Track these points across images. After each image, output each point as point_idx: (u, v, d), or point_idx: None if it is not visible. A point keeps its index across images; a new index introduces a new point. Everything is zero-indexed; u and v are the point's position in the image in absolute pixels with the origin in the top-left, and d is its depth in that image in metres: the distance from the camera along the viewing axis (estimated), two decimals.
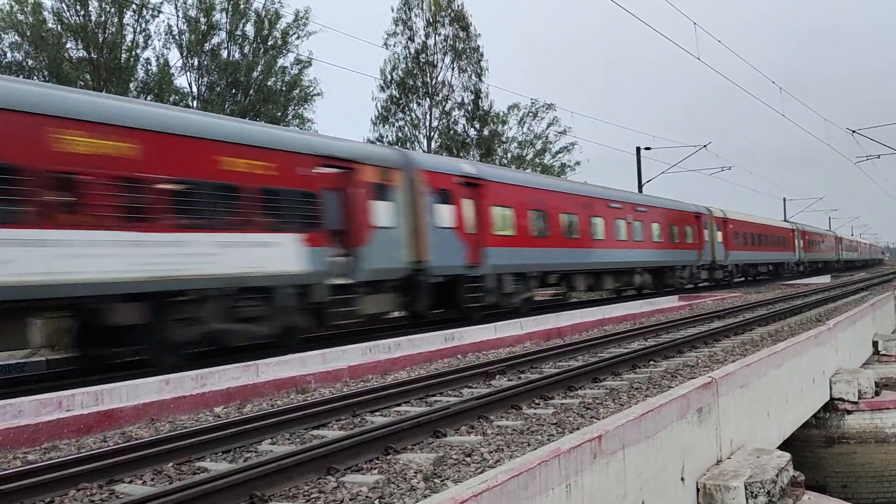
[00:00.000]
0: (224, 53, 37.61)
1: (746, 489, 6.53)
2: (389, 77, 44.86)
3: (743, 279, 41.41)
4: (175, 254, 11.22)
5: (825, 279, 43.02)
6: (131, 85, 35.24)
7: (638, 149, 41.83)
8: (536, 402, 8.01)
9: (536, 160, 58.92)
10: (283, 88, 39.93)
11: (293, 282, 12.98)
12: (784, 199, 77.89)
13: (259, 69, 38.33)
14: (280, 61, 39.41)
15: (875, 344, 18.70)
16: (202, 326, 11.66)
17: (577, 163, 58.99)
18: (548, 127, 58.70)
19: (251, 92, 38.34)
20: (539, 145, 58.91)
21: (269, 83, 38.90)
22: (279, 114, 38.86)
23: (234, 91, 38.07)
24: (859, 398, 12.84)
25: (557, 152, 59.08)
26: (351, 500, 4.89)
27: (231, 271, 12.00)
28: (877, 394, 13.26)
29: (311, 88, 41.36)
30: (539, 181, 23.93)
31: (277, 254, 12.80)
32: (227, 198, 12.09)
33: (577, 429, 6.19)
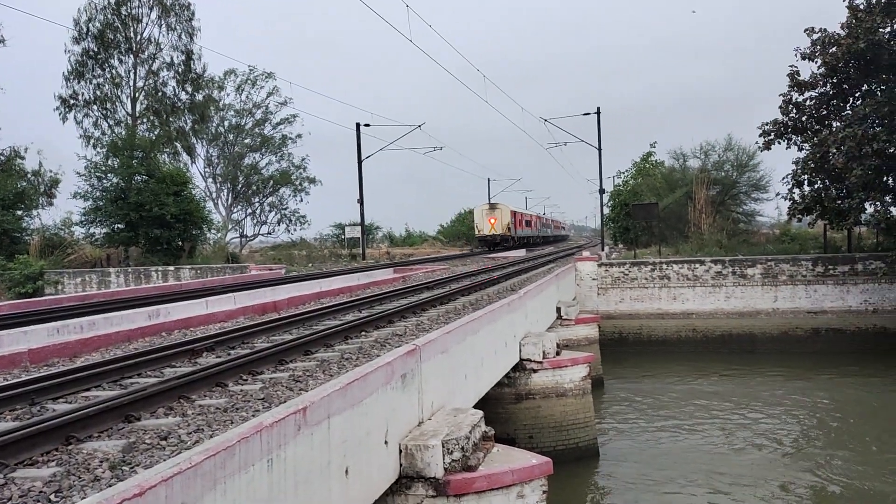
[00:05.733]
0: None
1: (443, 446, 6.97)
2: (85, 28, 40.29)
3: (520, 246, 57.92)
4: None
5: (521, 252, 47.66)
6: None
7: (358, 125, 42.48)
8: (244, 378, 7.77)
9: (256, 130, 57.25)
10: None
11: None
12: (489, 180, 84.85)
13: None
14: None
15: (559, 310, 21.16)
16: None
17: (299, 135, 58.47)
18: (268, 96, 57.29)
19: None
20: (259, 115, 57.27)
21: None
22: None
23: None
24: (544, 358, 14.40)
25: (278, 123, 58.00)
26: (21, 497, 4.31)
27: None
28: (558, 354, 14.99)
29: None
30: (540, 214, 73.68)
31: None
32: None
33: (285, 402, 6.11)
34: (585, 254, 33.09)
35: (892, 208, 26.88)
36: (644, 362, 25.92)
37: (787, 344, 26.99)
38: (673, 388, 21.63)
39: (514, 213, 56.22)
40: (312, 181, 58.47)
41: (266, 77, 56.46)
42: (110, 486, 4.30)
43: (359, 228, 45.25)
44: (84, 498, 4.27)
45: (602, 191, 39.40)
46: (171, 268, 32.55)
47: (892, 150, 24.93)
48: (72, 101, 42.89)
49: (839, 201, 26.67)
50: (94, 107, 43.28)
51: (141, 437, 5.45)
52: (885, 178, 26.25)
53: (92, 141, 43.64)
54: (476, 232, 55.41)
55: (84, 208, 36.43)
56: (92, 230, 37.48)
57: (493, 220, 53.42)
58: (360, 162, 42.47)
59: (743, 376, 23.18)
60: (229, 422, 5.88)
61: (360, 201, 42.40)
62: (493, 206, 54.35)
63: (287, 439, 4.92)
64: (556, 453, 13.62)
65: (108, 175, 36.45)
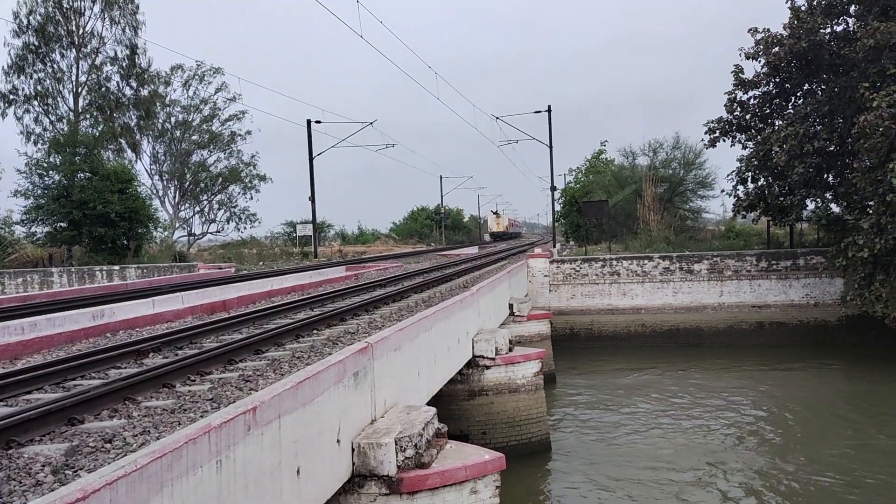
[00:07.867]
0: None
1: (396, 444, 6.96)
2: (25, 21, 39.03)
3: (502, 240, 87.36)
4: None
5: (473, 250, 47.84)
6: None
7: (308, 122, 42.03)
8: (192, 378, 7.63)
9: (204, 126, 56.22)
10: None
11: None
12: (441, 177, 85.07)
13: None
14: None
15: (511, 306, 21.30)
16: None
17: (248, 132, 57.63)
18: (216, 92, 56.30)
19: None
20: (207, 111, 56.24)
21: None
22: None
23: None
24: (496, 355, 14.48)
25: (227, 120, 57.04)
26: None
27: None
28: (510, 350, 15.08)
29: None
30: (514, 218, 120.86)
31: None
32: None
33: (234, 402, 6.02)
34: (537, 251, 33.38)
35: (832, 205, 27.80)
36: (595, 357, 26.28)
37: (733, 337, 27.68)
38: (623, 383, 21.98)
39: (509, 219, 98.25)
40: (263, 178, 57.62)
41: (214, 72, 55.47)
42: (53, 490, 4.17)
43: (310, 226, 44.83)
44: (26, 503, 4.14)
45: (553, 188, 39.78)
46: (116, 267, 31.72)
47: (831, 149, 25.77)
48: (11, 97, 41.50)
49: (782, 198, 27.44)
50: (35, 102, 41.94)
51: (84, 440, 5.31)
52: (825, 176, 27.11)
53: (33, 137, 42.30)
54: (487, 229, 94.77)
55: (25, 207, 35.27)
56: (33, 229, 36.30)
57: (498, 223, 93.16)
58: (311, 159, 42.07)
59: (690, 370, 23.69)
60: (177, 423, 5.77)
61: (312, 199, 42.02)
62: (497, 214, 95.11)
63: (236, 440, 4.85)
64: (509, 449, 13.72)
65: (50, 172, 35.35)
